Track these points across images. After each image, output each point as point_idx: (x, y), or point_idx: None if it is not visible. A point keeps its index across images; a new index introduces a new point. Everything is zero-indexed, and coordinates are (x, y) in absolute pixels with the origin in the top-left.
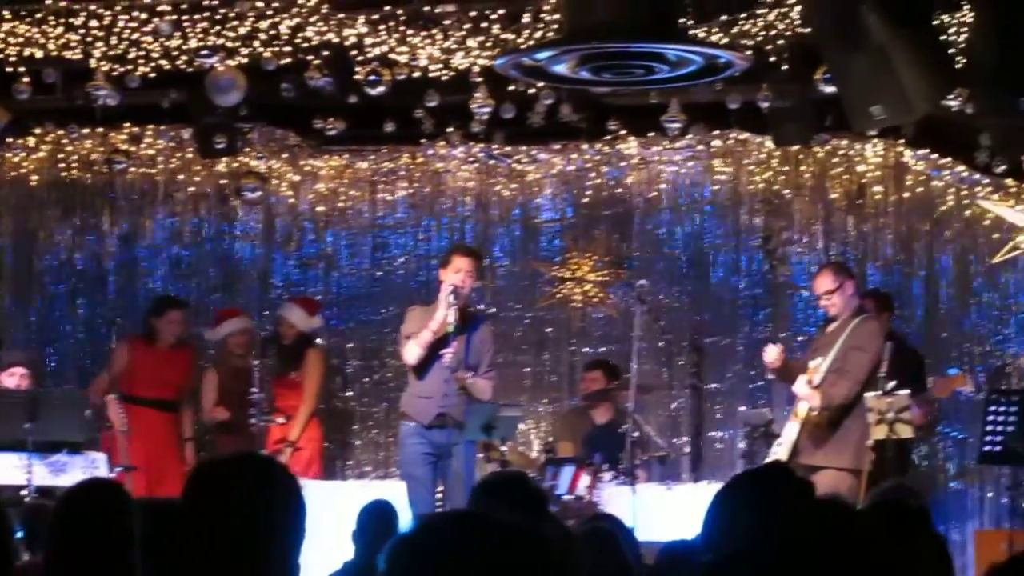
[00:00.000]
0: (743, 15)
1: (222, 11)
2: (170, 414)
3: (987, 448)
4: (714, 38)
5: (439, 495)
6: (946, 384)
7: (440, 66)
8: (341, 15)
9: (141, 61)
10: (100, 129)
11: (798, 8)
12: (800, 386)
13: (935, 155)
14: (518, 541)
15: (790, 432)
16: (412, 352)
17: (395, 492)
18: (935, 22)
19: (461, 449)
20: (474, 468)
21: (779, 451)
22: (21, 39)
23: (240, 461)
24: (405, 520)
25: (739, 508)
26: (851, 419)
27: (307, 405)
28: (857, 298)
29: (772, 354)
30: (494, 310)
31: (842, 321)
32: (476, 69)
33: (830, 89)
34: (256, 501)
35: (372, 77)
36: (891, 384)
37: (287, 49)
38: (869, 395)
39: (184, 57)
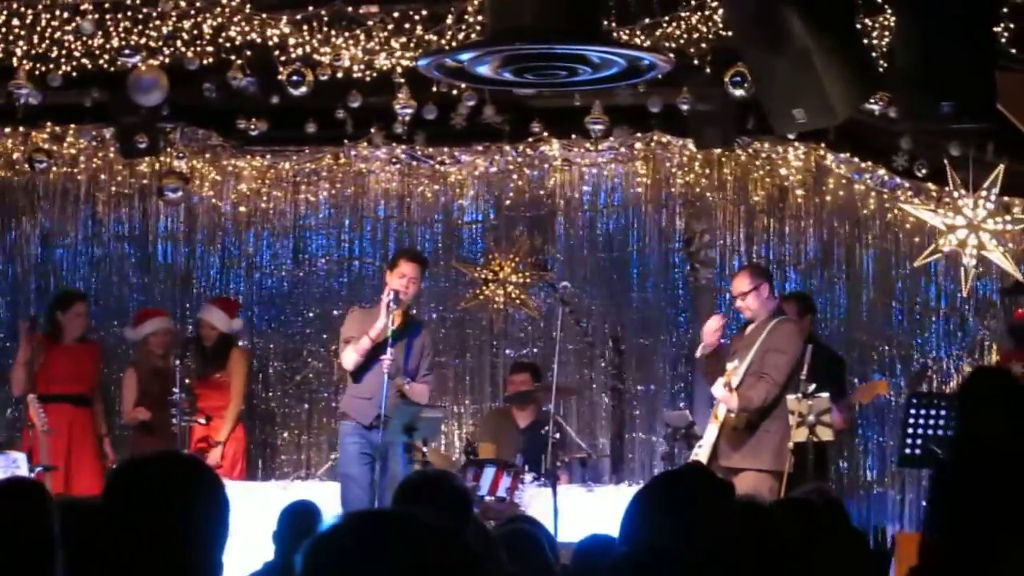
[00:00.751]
0: (666, 18)
1: (144, 10)
2: (86, 409)
3: (907, 451)
4: (637, 41)
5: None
6: (868, 390)
7: (363, 67)
8: (264, 15)
9: (63, 60)
10: (21, 128)
11: (720, 11)
12: (718, 389)
13: (856, 159)
14: (436, 540)
15: (710, 434)
16: (350, 359)
17: (317, 493)
18: (857, 26)
19: (399, 451)
20: (410, 469)
21: (700, 453)
22: None
23: (162, 460)
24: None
25: (658, 508)
26: (770, 421)
27: (235, 405)
28: (774, 300)
29: (714, 323)
30: (415, 311)
31: (760, 323)
32: (399, 70)
33: (739, 92)
34: (178, 500)
35: (295, 78)
36: (812, 387)
37: (210, 49)
38: (790, 397)
39: (106, 56)
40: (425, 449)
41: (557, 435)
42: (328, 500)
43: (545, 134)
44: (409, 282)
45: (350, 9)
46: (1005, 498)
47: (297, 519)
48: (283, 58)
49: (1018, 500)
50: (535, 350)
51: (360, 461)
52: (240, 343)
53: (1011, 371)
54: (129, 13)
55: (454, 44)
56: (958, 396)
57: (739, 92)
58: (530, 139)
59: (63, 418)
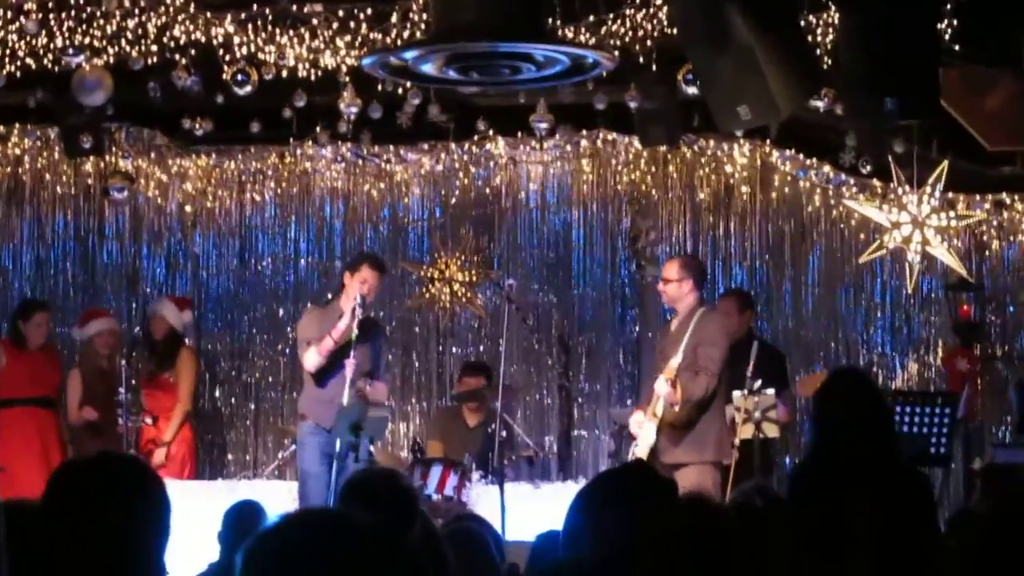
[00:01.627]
0: (610, 16)
1: (88, 10)
2: (50, 411)
3: None
4: (581, 38)
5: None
6: (810, 383)
7: (308, 66)
8: (208, 14)
9: (7, 60)
10: None
11: (665, 9)
12: (661, 385)
13: (801, 156)
14: (374, 543)
15: (648, 433)
16: (312, 360)
17: (263, 493)
18: (801, 23)
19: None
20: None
21: (637, 451)
22: None
23: (101, 461)
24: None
25: (600, 507)
26: (709, 414)
27: (183, 405)
28: (695, 297)
29: (635, 420)
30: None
31: (683, 318)
32: (344, 69)
33: (692, 89)
34: (118, 500)
35: (240, 77)
36: (757, 383)
37: (154, 48)
38: (736, 394)
39: (50, 56)
40: (372, 448)
41: (504, 433)
42: (275, 500)
43: (490, 133)
44: (370, 289)
45: (295, 8)
46: (859, 501)
47: (241, 519)
48: (228, 57)
49: (869, 502)
50: (481, 348)
51: (320, 460)
52: (187, 342)
53: (869, 374)
54: (73, 12)
55: (399, 43)
56: (815, 399)
57: (692, 90)
58: (475, 138)
59: (31, 421)
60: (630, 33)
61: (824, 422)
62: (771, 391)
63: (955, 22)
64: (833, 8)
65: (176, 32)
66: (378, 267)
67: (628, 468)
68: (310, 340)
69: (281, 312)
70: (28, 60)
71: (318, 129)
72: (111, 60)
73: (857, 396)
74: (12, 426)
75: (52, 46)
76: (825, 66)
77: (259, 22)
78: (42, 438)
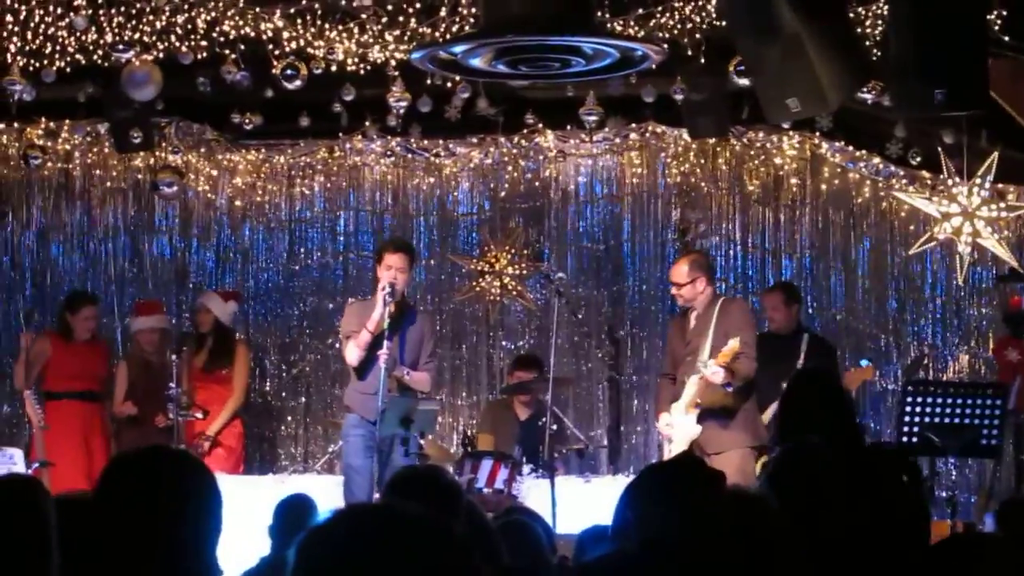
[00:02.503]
0: (659, 8)
1: (138, 5)
2: (96, 404)
3: (904, 439)
4: (630, 31)
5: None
6: (856, 376)
7: (357, 60)
8: (258, 9)
9: (57, 55)
10: (16, 124)
11: (713, 1)
12: (711, 369)
13: (851, 147)
14: (426, 534)
15: (689, 425)
16: (352, 354)
17: (314, 486)
18: (849, 14)
19: (403, 443)
20: (414, 462)
21: (674, 447)
22: None
23: (153, 455)
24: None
25: (648, 500)
26: (745, 399)
27: (235, 399)
28: (710, 290)
29: (664, 422)
30: (412, 301)
31: (703, 310)
32: (393, 63)
33: (744, 81)
34: (170, 495)
35: (289, 71)
36: None
37: (203, 43)
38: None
39: (100, 52)
40: (422, 442)
41: (554, 426)
42: (325, 493)
43: (539, 125)
44: (397, 272)
45: (344, 2)
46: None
47: (292, 512)
48: (277, 52)
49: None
50: (531, 341)
51: (365, 453)
52: (237, 336)
53: (832, 374)
54: (123, 8)
55: (448, 36)
56: (781, 401)
57: (744, 82)
58: (524, 130)
59: (75, 413)
60: (679, 26)
61: (789, 423)
62: None
63: (1004, 12)
64: None
65: (225, 27)
66: (399, 248)
67: (676, 461)
68: (349, 334)
69: (331, 306)
70: (78, 56)
71: (367, 123)
72: (160, 55)
73: (818, 396)
74: (56, 419)
75: (102, 41)
76: (874, 57)
77: (308, 16)
78: (84, 432)
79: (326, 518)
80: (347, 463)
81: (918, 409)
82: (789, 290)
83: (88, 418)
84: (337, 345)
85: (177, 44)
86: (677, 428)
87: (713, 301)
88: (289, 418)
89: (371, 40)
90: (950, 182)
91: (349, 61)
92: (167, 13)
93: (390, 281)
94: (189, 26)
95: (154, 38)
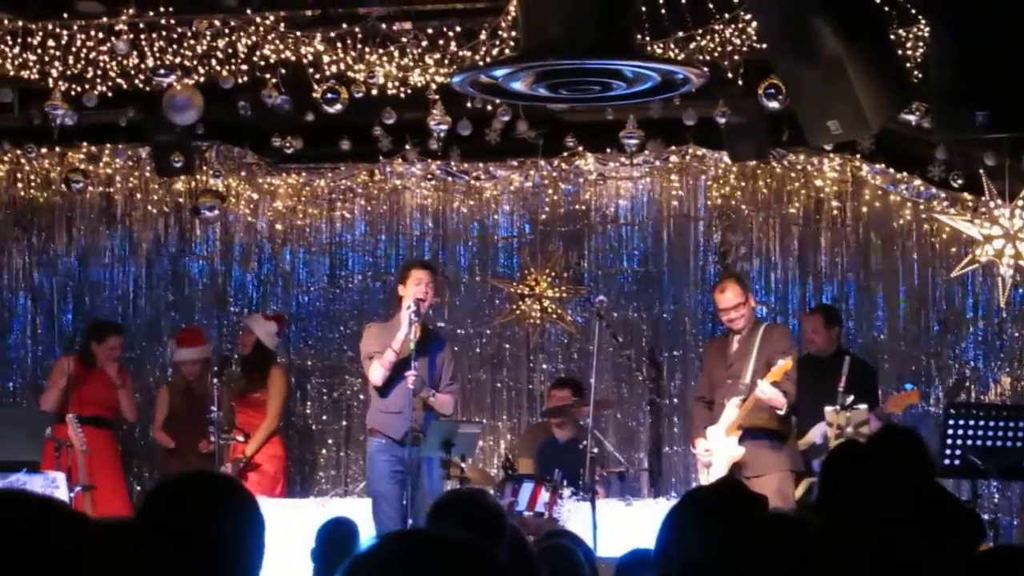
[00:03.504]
0: (699, 31)
1: (179, 30)
2: (110, 432)
3: (947, 461)
4: (670, 54)
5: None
6: (900, 400)
7: (397, 83)
8: (298, 33)
9: (98, 80)
10: (57, 148)
11: (754, 24)
12: (768, 388)
13: (892, 169)
14: (470, 561)
15: (730, 447)
16: (377, 373)
17: (355, 509)
18: (890, 37)
19: (432, 464)
20: (443, 485)
21: (714, 470)
22: None
23: (196, 479)
24: (366, 538)
25: (690, 524)
26: (787, 424)
27: (269, 423)
28: (754, 311)
29: (702, 448)
30: (451, 327)
31: (749, 331)
32: (433, 86)
33: (773, 104)
34: (212, 519)
35: (329, 95)
36: (850, 399)
37: (244, 68)
38: (828, 409)
39: (141, 76)
40: (464, 465)
41: (595, 449)
42: (366, 516)
43: (579, 148)
44: (426, 288)
45: (384, 26)
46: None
47: (335, 536)
48: (317, 76)
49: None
50: (572, 365)
51: (391, 479)
52: (279, 360)
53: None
54: (163, 33)
55: (488, 60)
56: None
57: (773, 104)
58: (564, 153)
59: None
60: (719, 48)
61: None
62: (863, 406)
63: None
64: (923, 21)
65: (266, 51)
66: (425, 266)
67: (718, 485)
68: (372, 355)
69: None
70: (119, 80)
71: (407, 146)
72: (201, 79)
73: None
74: (96, 446)
75: (143, 66)
76: (915, 79)
77: (348, 40)
78: (88, 457)
79: (370, 545)
80: (375, 490)
81: (960, 432)
82: (829, 313)
83: (93, 443)
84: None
85: (218, 68)
86: (717, 451)
87: (756, 325)
88: (330, 441)
89: (411, 64)
90: (992, 204)
91: (389, 85)
92: (208, 38)
93: (419, 298)
94: (230, 50)
95: (195, 62)
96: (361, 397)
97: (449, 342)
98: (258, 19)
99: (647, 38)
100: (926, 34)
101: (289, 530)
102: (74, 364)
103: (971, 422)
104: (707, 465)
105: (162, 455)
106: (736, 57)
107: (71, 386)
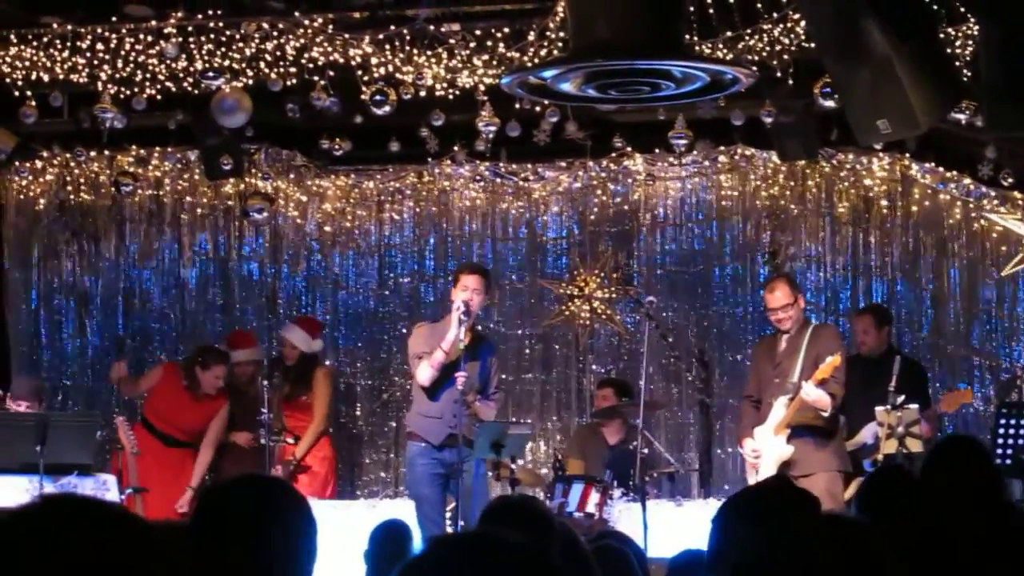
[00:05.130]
0: (747, 31)
1: (227, 33)
2: (178, 450)
3: (998, 461)
4: (719, 54)
5: (449, 514)
6: (953, 399)
7: (445, 85)
8: (346, 36)
9: (147, 83)
10: (107, 152)
11: (802, 23)
12: (813, 390)
13: (941, 168)
14: (526, 562)
15: (778, 446)
16: (426, 373)
17: (406, 511)
18: (940, 35)
19: (471, 467)
20: (486, 486)
21: (763, 470)
22: (27, 63)
23: (247, 483)
24: (419, 540)
25: (743, 522)
26: (835, 423)
27: (315, 425)
28: (803, 311)
29: (749, 449)
30: (501, 328)
31: (797, 331)
32: (481, 88)
33: (829, 103)
34: (264, 522)
35: (377, 97)
36: (900, 398)
37: (292, 70)
38: (879, 409)
39: (190, 79)
40: (513, 466)
41: (645, 450)
42: (415, 518)
43: (628, 149)
44: (473, 293)
45: (432, 28)
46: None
47: (388, 538)
48: (366, 78)
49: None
50: (621, 365)
51: (432, 482)
52: (326, 363)
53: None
54: (212, 36)
55: (536, 61)
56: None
57: (829, 103)
58: (613, 154)
59: (155, 446)
60: (767, 48)
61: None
62: (914, 406)
63: None
64: (972, 19)
65: (314, 53)
66: (475, 270)
67: (769, 485)
68: (421, 355)
69: None
70: (168, 83)
71: (456, 148)
72: (250, 82)
73: (967, 466)
74: (144, 447)
75: (192, 69)
76: (964, 78)
77: (397, 42)
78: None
79: (425, 547)
80: (416, 493)
81: (1011, 431)
82: (880, 312)
83: (165, 454)
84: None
85: (267, 71)
86: (765, 451)
87: (805, 324)
88: (380, 443)
89: (460, 65)
90: None
91: (438, 86)
92: (256, 40)
93: (465, 300)
94: (278, 53)
95: (244, 65)
96: (410, 399)
97: (497, 349)
98: (306, 21)
99: (695, 38)
100: (975, 32)
101: (339, 532)
102: (168, 376)
103: (1022, 421)
104: (755, 467)
105: (216, 458)
106: (785, 56)
107: (152, 396)
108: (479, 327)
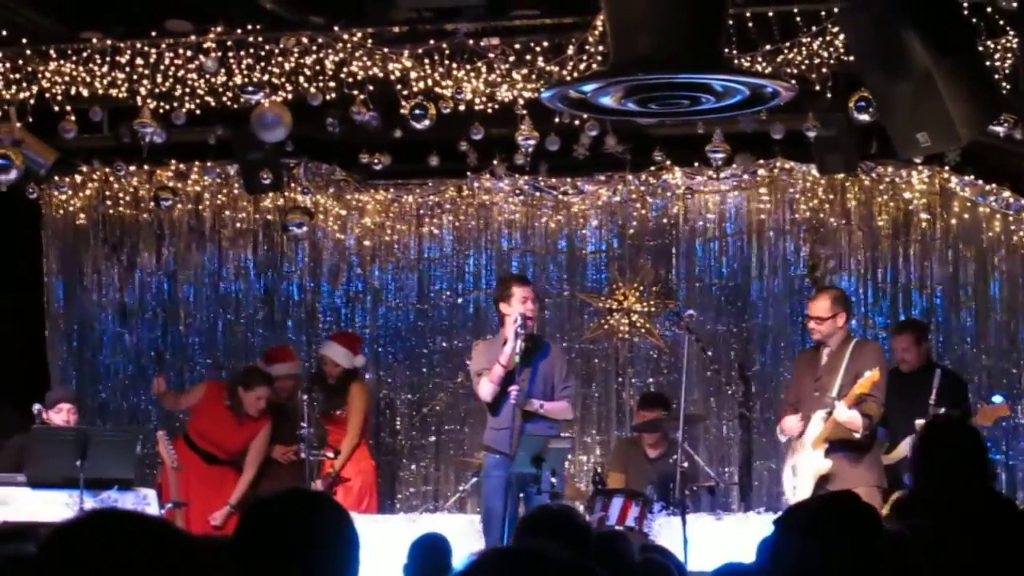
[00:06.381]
0: (786, 44)
1: (267, 48)
2: (219, 467)
3: None
4: (758, 68)
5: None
6: (991, 412)
7: (485, 99)
8: (385, 50)
9: (187, 98)
10: (146, 166)
11: (841, 37)
12: (844, 411)
13: (981, 181)
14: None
15: (816, 461)
16: (486, 389)
17: (445, 525)
18: (979, 48)
19: (534, 481)
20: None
21: (799, 484)
22: (67, 78)
23: (290, 497)
24: (459, 554)
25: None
26: (873, 438)
27: (350, 438)
28: (847, 328)
29: (793, 423)
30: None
31: (836, 348)
32: (521, 102)
33: (863, 117)
34: (308, 536)
35: (417, 111)
36: (940, 411)
37: (332, 84)
38: (919, 422)
39: (229, 94)
40: (554, 480)
41: (685, 464)
42: (456, 532)
43: (667, 162)
44: (531, 303)
45: (471, 42)
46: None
47: (428, 552)
48: (405, 92)
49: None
50: (661, 379)
51: (503, 495)
52: (366, 377)
53: (969, 423)
54: (251, 50)
55: (575, 75)
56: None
57: (864, 117)
58: (652, 168)
59: (195, 461)
60: (806, 61)
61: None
62: None
63: None
64: (1011, 32)
65: (354, 67)
66: (525, 281)
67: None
68: (480, 371)
69: (460, 345)
70: (208, 98)
71: (495, 162)
72: (289, 96)
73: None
74: (184, 462)
75: (231, 83)
76: (1004, 91)
77: (436, 56)
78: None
79: (471, 561)
80: (487, 505)
81: None
82: (918, 328)
83: (204, 469)
84: (468, 383)
85: (306, 85)
86: (802, 465)
87: (847, 340)
88: (419, 457)
89: (499, 79)
90: None
91: (477, 100)
92: (296, 55)
93: (524, 312)
94: (318, 67)
95: (283, 80)
96: (450, 412)
97: (558, 349)
98: (346, 36)
99: (734, 51)
100: (1015, 45)
101: (379, 546)
102: (212, 393)
103: None
104: (798, 435)
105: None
106: (824, 70)
107: (195, 414)
108: (535, 333)
